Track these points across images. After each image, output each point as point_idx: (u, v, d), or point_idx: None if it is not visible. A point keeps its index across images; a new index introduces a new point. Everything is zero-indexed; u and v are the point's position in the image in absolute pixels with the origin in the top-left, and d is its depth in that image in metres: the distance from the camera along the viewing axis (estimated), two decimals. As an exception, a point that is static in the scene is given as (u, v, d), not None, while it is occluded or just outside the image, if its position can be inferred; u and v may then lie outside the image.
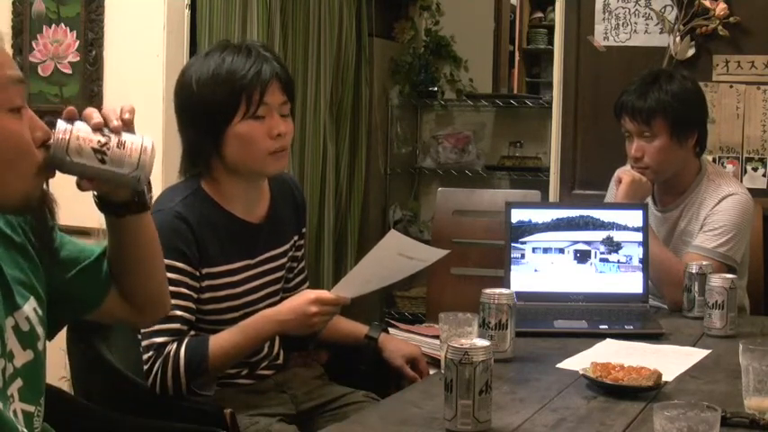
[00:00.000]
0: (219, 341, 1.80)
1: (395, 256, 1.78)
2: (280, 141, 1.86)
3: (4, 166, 1.18)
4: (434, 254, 1.88)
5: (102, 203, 1.35)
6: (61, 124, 1.25)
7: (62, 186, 1.32)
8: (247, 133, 1.83)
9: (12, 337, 1.25)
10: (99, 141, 1.25)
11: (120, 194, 1.34)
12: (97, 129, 1.26)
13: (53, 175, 1.25)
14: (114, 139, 1.26)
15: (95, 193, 1.33)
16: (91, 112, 1.27)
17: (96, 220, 2.60)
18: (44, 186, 1.25)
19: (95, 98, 3.21)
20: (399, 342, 2.14)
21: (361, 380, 2.07)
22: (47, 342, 1.34)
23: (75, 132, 1.24)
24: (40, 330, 1.31)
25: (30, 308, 1.30)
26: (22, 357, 1.27)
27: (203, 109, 1.83)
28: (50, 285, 1.36)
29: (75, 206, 1.46)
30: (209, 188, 1.88)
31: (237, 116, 1.82)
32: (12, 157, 1.18)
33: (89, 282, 1.41)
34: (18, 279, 1.29)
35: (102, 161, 1.26)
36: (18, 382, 1.25)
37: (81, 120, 1.27)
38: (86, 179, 1.28)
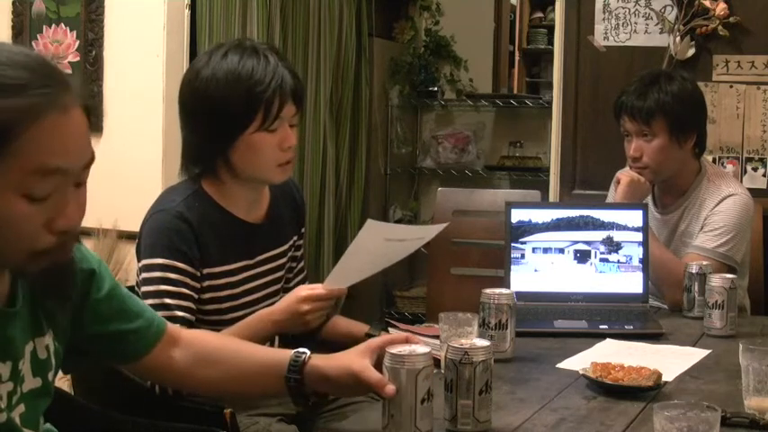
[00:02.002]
0: (219, 341, 1.80)
1: (382, 242, 1.75)
2: (289, 153, 1.85)
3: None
4: (429, 231, 1.86)
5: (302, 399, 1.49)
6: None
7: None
8: (258, 144, 1.80)
9: (27, 362, 1.24)
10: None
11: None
12: None
13: (65, 257, 1.20)
14: None
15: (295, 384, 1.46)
16: None
17: (96, 220, 2.59)
18: (69, 256, 1.21)
19: (95, 98, 3.20)
20: None
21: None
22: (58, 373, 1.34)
23: None
24: (54, 361, 1.30)
25: (50, 338, 1.29)
26: (30, 383, 1.25)
27: (216, 113, 1.79)
28: (83, 326, 1.36)
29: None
30: (210, 188, 1.88)
31: (252, 126, 1.79)
32: (4, 241, 1.11)
33: (136, 338, 1.45)
34: (44, 306, 1.28)
35: None
36: (21, 408, 1.23)
37: None
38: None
